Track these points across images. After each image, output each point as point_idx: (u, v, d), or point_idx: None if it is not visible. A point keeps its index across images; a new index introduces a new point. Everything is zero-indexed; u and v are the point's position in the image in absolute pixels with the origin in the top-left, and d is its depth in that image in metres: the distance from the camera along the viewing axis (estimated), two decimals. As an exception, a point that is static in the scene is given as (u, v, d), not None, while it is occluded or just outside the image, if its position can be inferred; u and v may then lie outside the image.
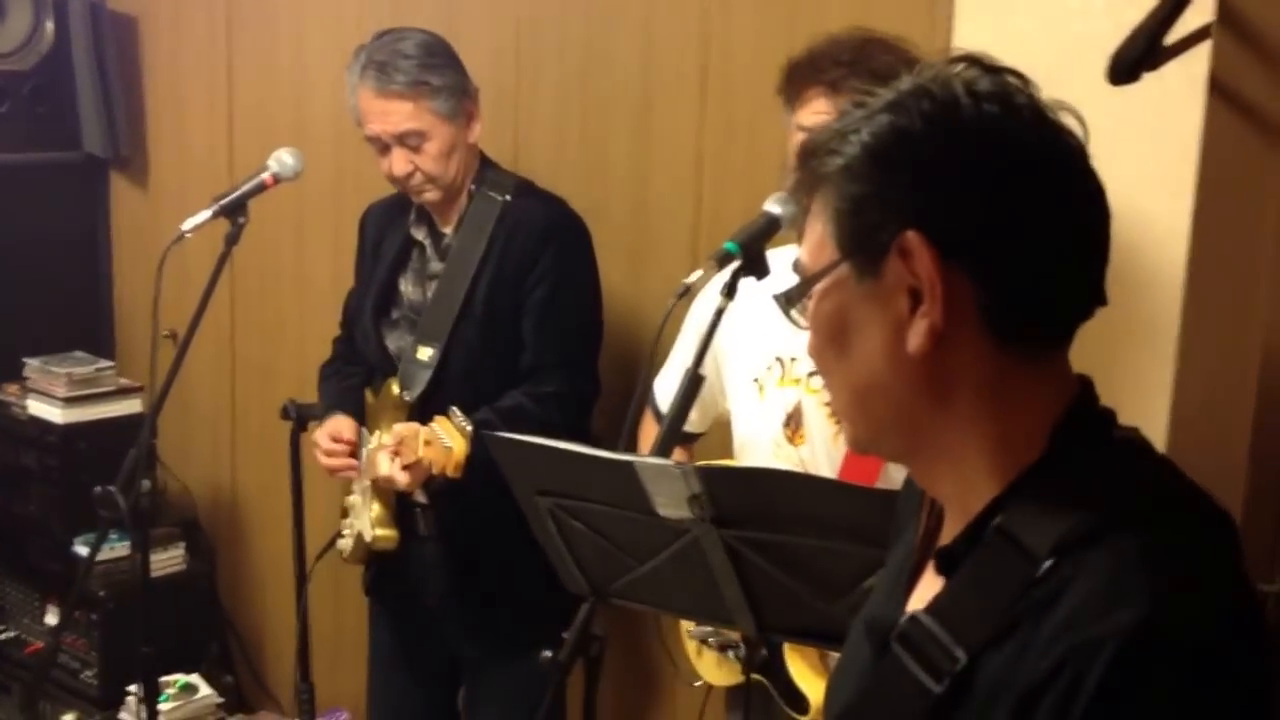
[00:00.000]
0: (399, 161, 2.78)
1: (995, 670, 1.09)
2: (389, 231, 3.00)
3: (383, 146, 2.79)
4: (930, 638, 1.13)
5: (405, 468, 2.68)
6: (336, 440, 2.90)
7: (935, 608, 1.15)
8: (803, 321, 1.22)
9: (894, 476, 2.12)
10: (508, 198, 2.86)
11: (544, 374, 2.80)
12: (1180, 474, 1.17)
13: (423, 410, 2.78)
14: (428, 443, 2.62)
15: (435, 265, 2.91)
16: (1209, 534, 1.12)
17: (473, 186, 2.88)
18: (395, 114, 2.75)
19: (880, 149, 1.13)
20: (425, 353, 2.84)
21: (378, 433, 2.87)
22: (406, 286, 2.95)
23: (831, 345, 1.19)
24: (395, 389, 2.84)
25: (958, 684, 1.11)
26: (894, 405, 1.17)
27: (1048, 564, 1.08)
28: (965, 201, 1.11)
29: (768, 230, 2.06)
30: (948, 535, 1.20)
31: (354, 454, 2.90)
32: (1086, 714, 1.01)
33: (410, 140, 2.77)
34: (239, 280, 4.07)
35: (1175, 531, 1.09)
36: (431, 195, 2.84)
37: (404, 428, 2.70)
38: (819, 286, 1.18)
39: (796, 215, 1.22)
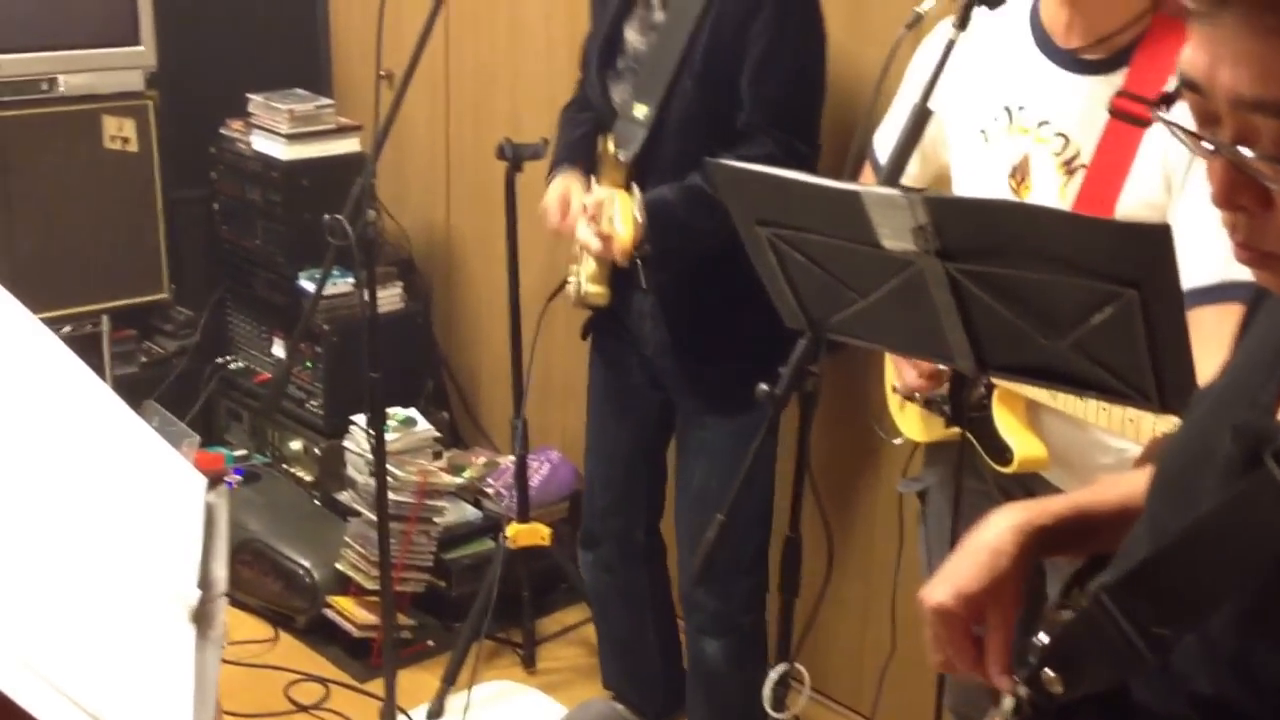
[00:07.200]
0: None
1: None
2: None
3: None
4: None
5: (599, 234, 2.70)
6: (565, 207, 2.88)
7: None
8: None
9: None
10: None
11: (756, 136, 2.70)
12: None
13: (640, 170, 2.76)
14: (611, 219, 2.63)
15: (659, 14, 2.80)
16: None
17: None
18: None
19: None
20: (641, 110, 2.76)
21: (597, 187, 2.85)
22: (632, 35, 2.85)
23: None
24: (611, 147, 2.79)
25: None
26: None
27: None
28: None
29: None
30: None
31: None
32: None
33: None
34: (453, 20, 4.07)
35: None
36: None
37: (603, 194, 2.70)
38: None
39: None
